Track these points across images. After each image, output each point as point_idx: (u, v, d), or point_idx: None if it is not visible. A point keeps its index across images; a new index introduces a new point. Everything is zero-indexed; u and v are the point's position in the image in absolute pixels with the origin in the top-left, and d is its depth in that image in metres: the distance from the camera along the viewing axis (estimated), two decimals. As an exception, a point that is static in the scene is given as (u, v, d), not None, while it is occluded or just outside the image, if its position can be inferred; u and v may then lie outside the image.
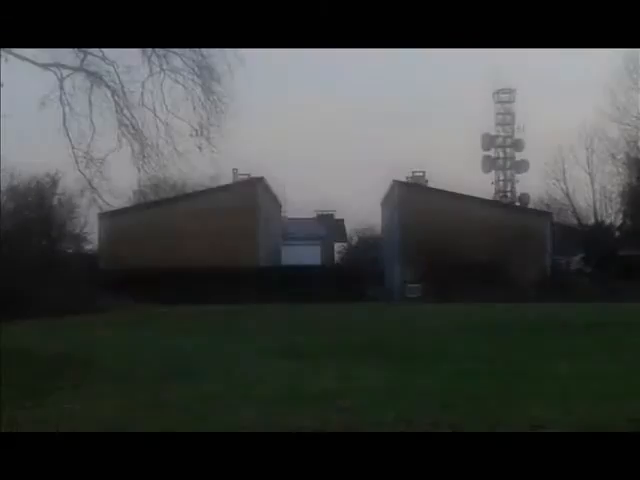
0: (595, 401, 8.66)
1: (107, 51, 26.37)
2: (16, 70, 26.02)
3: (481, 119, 67.43)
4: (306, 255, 50.45)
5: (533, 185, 77.95)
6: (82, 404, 8.94)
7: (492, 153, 69.30)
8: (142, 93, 27.47)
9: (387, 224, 54.52)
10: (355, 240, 68.00)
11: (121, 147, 27.69)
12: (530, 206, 59.64)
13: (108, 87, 27.39)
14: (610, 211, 47.21)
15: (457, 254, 41.91)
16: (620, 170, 47.23)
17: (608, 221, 47.35)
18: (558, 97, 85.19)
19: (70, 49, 25.22)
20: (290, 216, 60.89)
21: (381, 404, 8.66)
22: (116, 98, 27.48)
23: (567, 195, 47.22)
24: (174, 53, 27.05)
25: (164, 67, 27.25)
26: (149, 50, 26.22)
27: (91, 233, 45.57)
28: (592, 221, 47.02)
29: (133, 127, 27.72)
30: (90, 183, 28.07)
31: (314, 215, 63.88)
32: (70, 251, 42.83)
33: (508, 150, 68.93)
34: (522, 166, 67.55)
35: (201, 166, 28.79)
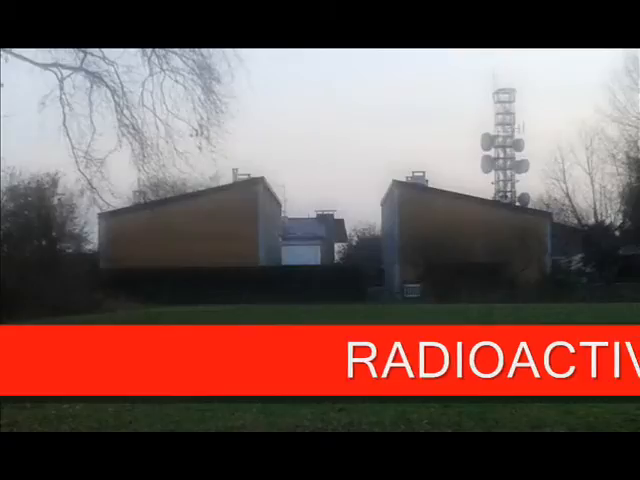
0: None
1: (107, 51, 26.44)
2: (16, 70, 26.07)
3: (481, 119, 67.41)
4: (306, 255, 50.44)
5: (533, 185, 77.98)
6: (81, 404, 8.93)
7: (492, 153, 69.25)
8: (142, 93, 27.55)
9: (387, 224, 54.53)
10: (355, 240, 67.97)
11: (121, 147, 27.76)
12: (530, 206, 59.62)
13: (108, 87, 27.45)
14: (610, 211, 47.21)
15: (457, 254, 41.89)
16: (620, 170, 47.22)
17: (608, 221, 47.33)
18: (558, 97, 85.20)
19: (70, 49, 25.29)
20: (290, 216, 60.89)
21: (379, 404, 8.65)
22: (116, 98, 27.54)
23: (567, 195, 47.20)
24: (174, 53, 27.10)
25: (164, 67, 27.31)
26: (149, 50, 26.28)
27: (91, 233, 45.60)
28: (592, 221, 46.99)
29: (133, 127, 27.78)
30: (90, 183, 28.15)
31: (314, 215, 63.85)
32: (70, 251, 42.76)
33: (508, 150, 68.89)
34: (522, 166, 67.49)
35: (201, 166, 28.83)
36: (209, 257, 43.21)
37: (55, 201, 41.09)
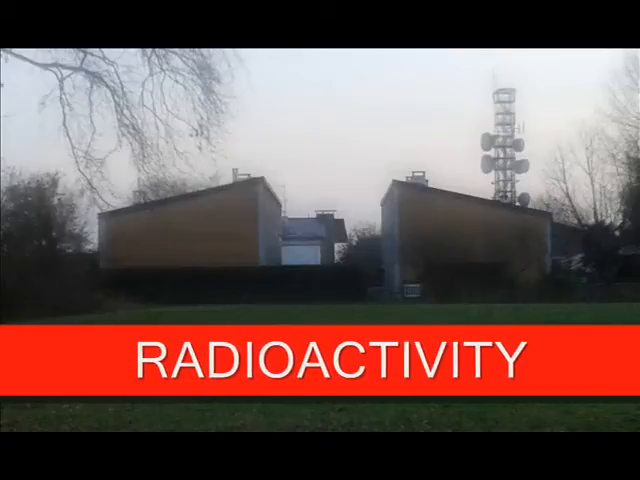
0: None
1: (107, 51, 26.44)
2: (16, 70, 26.08)
3: (481, 119, 67.39)
4: (306, 255, 50.43)
5: (533, 185, 78.00)
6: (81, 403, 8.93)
7: (492, 153, 69.24)
8: (142, 93, 27.54)
9: (387, 224, 54.54)
10: (355, 240, 67.96)
11: (121, 147, 27.75)
12: (530, 206, 59.63)
13: (108, 87, 27.44)
14: (610, 211, 47.22)
15: (457, 254, 41.90)
16: (620, 170, 47.23)
17: (608, 221, 47.33)
18: (558, 97, 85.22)
19: (70, 49, 25.29)
20: (290, 216, 60.89)
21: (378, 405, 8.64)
22: (116, 98, 27.53)
23: (567, 195, 47.21)
24: (174, 53, 27.09)
25: (164, 67, 27.30)
26: (149, 50, 26.28)
27: (91, 233, 45.60)
28: (592, 221, 46.99)
29: (133, 127, 27.77)
30: (90, 183, 28.14)
31: (314, 215, 63.84)
32: (70, 251, 42.75)
33: (508, 150, 68.89)
34: (522, 166, 67.48)
35: (201, 166, 28.86)
36: (209, 257, 43.22)
37: (55, 201, 41.09)
